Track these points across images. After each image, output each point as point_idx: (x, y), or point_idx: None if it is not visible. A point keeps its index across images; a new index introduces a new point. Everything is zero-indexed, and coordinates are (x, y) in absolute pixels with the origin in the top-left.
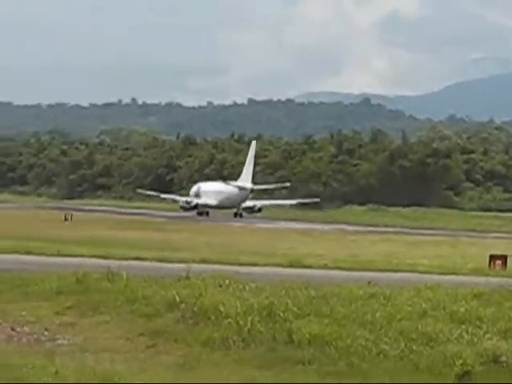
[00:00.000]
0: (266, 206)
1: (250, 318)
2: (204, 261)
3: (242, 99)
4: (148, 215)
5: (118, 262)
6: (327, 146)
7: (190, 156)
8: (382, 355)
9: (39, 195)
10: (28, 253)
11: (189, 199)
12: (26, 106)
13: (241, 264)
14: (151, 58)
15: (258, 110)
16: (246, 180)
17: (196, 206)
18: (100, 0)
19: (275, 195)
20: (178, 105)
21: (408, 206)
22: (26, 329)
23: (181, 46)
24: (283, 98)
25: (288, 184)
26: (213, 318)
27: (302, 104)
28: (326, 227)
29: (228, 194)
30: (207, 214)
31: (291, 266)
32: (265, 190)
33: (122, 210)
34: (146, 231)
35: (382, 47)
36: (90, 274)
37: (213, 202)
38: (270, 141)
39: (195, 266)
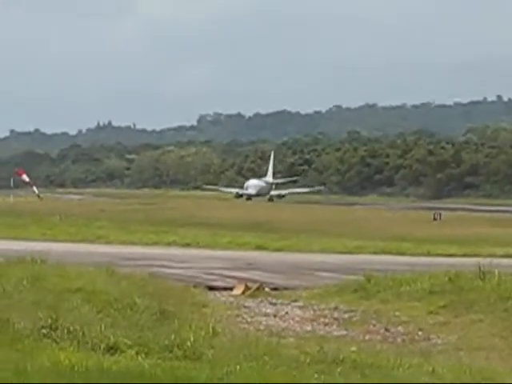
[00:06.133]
0: (287, 194)
1: None
2: None
3: None
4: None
5: (487, 260)
6: None
7: None
8: None
9: (406, 196)
10: (399, 253)
11: (235, 190)
12: (390, 107)
13: None
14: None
15: None
16: (269, 177)
17: (241, 195)
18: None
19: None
20: None
21: None
22: (401, 329)
23: None
24: None
25: (296, 178)
26: None
27: None
28: None
29: (261, 186)
30: (250, 199)
31: None
32: (294, 182)
33: (484, 208)
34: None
35: None
36: (462, 273)
37: (253, 192)
38: None
39: None
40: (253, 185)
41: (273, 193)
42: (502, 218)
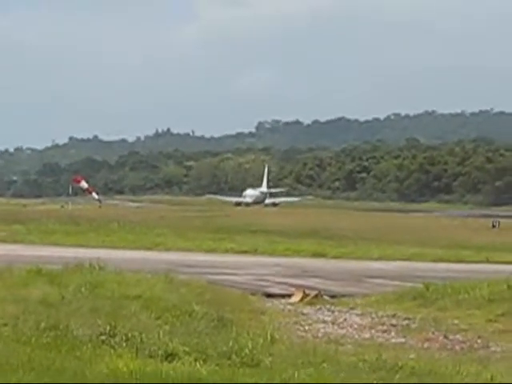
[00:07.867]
0: (281, 202)
1: None
2: None
3: None
4: None
5: None
6: None
7: None
8: None
9: (465, 203)
10: (458, 261)
11: (235, 199)
12: (449, 115)
13: None
14: None
15: None
16: (264, 187)
17: (240, 204)
18: None
19: None
20: None
21: None
22: (459, 337)
23: None
24: None
25: (283, 190)
26: None
27: None
28: None
29: (256, 196)
30: (248, 205)
31: None
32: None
33: None
34: None
35: None
36: None
37: (250, 200)
38: None
39: None
40: (250, 194)
41: (267, 201)
42: None
